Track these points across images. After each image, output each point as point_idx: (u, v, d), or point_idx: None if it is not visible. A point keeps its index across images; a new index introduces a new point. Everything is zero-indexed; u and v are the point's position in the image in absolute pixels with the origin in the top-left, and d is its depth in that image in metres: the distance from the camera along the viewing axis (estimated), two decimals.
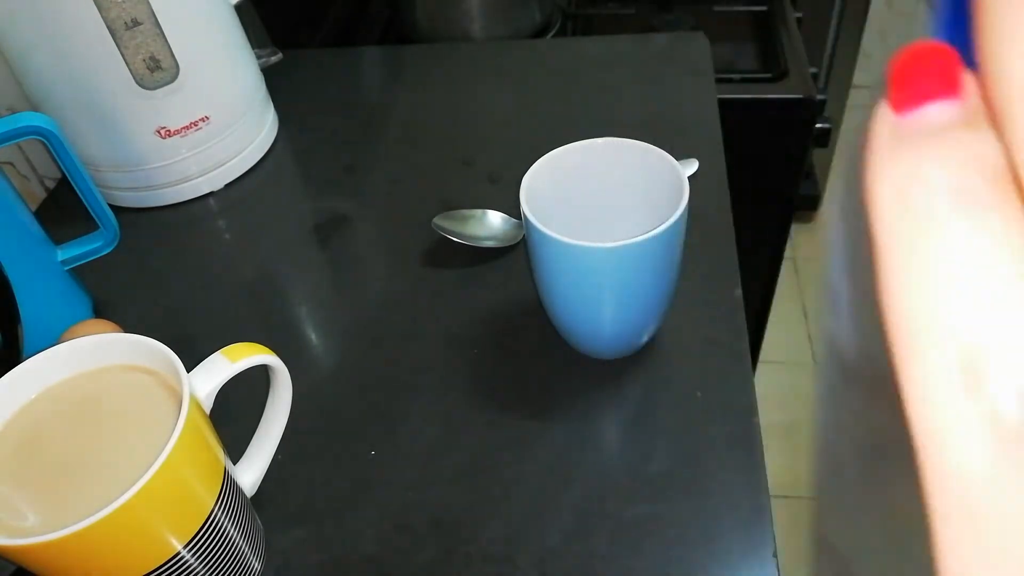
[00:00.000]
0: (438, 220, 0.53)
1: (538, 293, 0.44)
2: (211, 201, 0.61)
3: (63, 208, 0.61)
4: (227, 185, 0.62)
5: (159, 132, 0.57)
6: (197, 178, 0.60)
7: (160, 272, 0.56)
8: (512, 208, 0.55)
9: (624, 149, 0.43)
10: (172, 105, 0.56)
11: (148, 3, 0.52)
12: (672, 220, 0.38)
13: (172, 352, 0.33)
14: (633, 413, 0.43)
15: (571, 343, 0.46)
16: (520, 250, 0.53)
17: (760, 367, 1.26)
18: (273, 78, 0.67)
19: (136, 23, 0.52)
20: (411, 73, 0.73)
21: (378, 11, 0.99)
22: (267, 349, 0.36)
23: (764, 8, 0.95)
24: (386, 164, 0.63)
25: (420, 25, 0.87)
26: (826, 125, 0.89)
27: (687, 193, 0.39)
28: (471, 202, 0.56)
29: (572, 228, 0.44)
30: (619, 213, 0.45)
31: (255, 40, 0.66)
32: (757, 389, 0.44)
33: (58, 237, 0.51)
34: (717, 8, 0.97)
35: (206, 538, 0.33)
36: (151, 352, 0.34)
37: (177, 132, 0.57)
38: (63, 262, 0.50)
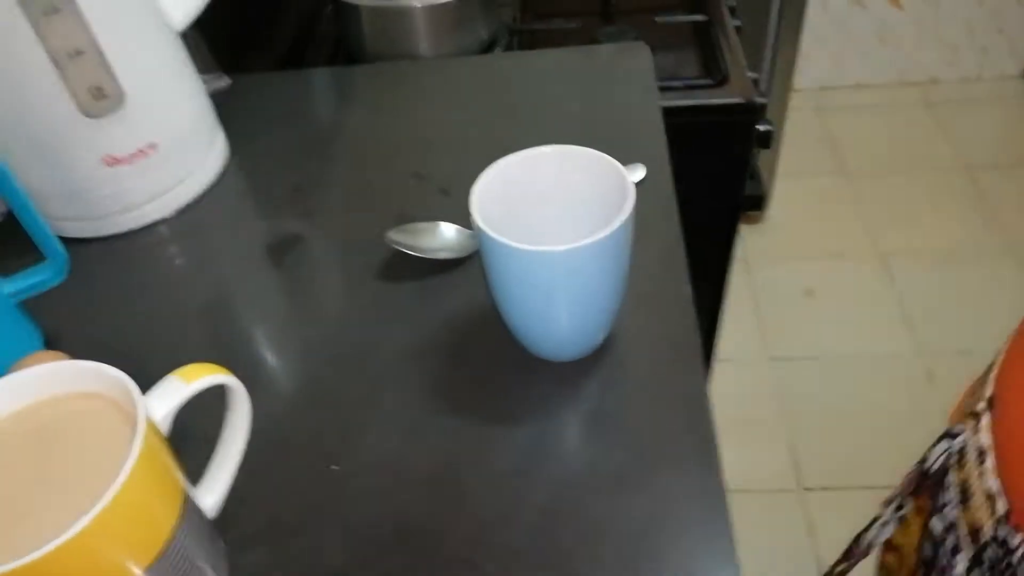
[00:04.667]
0: (392, 234, 0.53)
1: (493, 300, 0.45)
2: (162, 228, 0.61)
3: (10, 241, 0.60)
4: (178, 211, 0.61)
5: (105, 160, 0.56)
6: (146, 205, 0.60)
7: (113, 301, 0.55)
8: (466, 219, 0.56)
9: (571, 156, 0.45)
10: (118, 133, 0.56)
11: (90, 32, 0.52)
12: (618, 223, 0.39)
13: (125, 375, 0.33)
14: (592, 411, 0.44)
15: (528, 347, 0.47)
16: (475, 260, 0.54)
17: (715, 365, 1.28)
18: (222, 102, 0.67)
19: (78, 52, 0.52)
20: (360, 93, 0.74)
21: (325, 32, 1.00)
22: (222, 368, 0.36)
23: (703, 18, 0.98)
24: (338, 182, 0.63)
25: (367, 45, 0.88)
26: (768, 127, 0.91)
27: (633, 195, 0.40)
28: (424, 215, 0.56)
29: (524, 235, 0.44)
30: (569, 218, 0.46)
31: (201, 65, 0.66)
32: (713, 387, 0.45)
33: (7, 269, 0.50)
34: (658, 19, 0.99)
35: (166, 564, 0.33)
36: (103, 377, 0.33)
37: (124, 160, 0.57)
38: (11, 295, 0.49)
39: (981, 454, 0.43)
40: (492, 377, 0.46)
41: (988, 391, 0.45)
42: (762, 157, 1.70)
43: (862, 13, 2.01)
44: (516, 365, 0.47)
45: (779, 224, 1.80)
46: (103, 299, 0.55)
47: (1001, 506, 0.41)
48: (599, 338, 0.46)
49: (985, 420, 0.44)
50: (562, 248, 0.39)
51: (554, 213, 0.46)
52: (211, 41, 0.70)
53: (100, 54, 0.53)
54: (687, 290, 0.49)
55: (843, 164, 1.94)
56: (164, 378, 0.35)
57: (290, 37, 0.98)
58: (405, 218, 0.57)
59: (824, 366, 1.52)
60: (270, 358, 0.50)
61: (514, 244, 0.39)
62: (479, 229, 0.40)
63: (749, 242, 1.76)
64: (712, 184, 0.89)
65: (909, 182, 1.87)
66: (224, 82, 0.73)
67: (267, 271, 0.56)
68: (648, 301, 0.49)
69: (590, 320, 0.44)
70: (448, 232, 0.55)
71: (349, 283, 0.54)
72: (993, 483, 0.42)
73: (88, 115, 0.54)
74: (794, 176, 1.84)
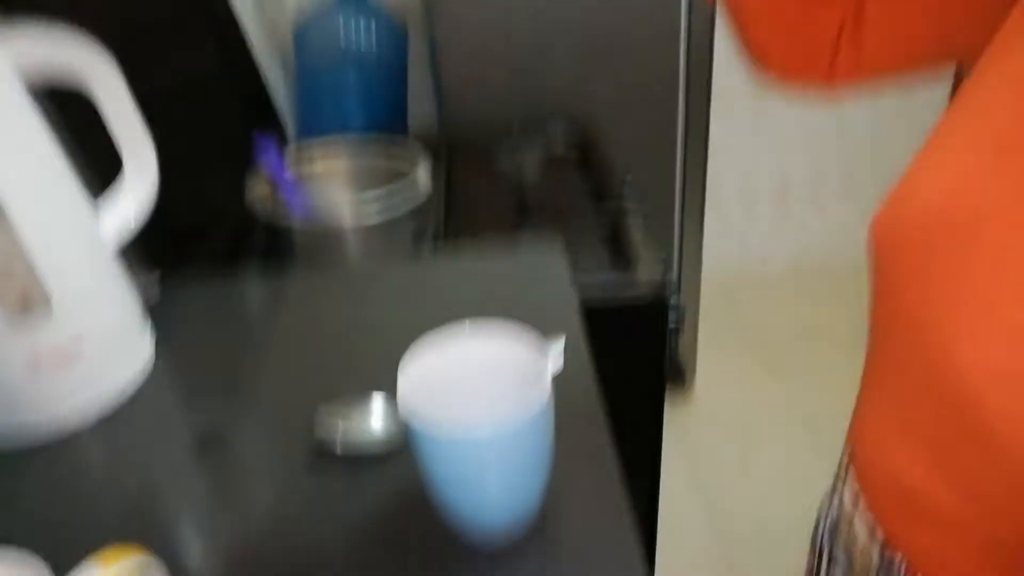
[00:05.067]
0: (320, 432, 0.54)
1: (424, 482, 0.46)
2: (88, 431, 0.59)
3: None
4: (102, 415, 0.60)
5: (31, 365, 0.56)
6: (71, 409, 0.59)
7: (38, 506, 0.53)
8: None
9: (490, 333, 0.47)
10: (44, 339, 0.56)
11: (17, 242, 0.53)
12: (535, 402, 0.41)
13: (39, 565, 0.31)
14: None
15: (461, 530, 0.47)
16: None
17: (661, 543, 1.27)
18: (153, 306, 0.69)
19: (5, 262, 0.53)
20: (290, 295, 0.77)
21: (257, 239, 1.04)
22: (142, 551, 0.35)
23: (611, 214, 1.08)
24: (266, 376, 0.64)
25: (298, 258, 0.92)
26: (678, 311, 0.98)
27: (550, 370, 0.43)
28: (355, 400, 0.57)
29: (453, 411, 0.46)
30: (492, 392, 0.47)
31: (131, 267, 0.68)
32: (658, 561, 0.45)
33: None
34: (571, 220, 1.09)
35: None
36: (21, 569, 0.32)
37: (50, 364, 0.57)
38: None
39: (855, 496, 0.52)
40: (427, 564, 0.45)
41: (849, 449, 0.55)
42: (682, 337, 1.79)
43: (754, 206, 2.24)
44: (452, 550, 0.46)
45: (707, 399, 1.87)
46: (28, 504, 0.53)
47: (880, 533, 0.48)
48: (530, 518, 0.46)
49: (852, 472, 0.53)
50: (484, 432, 0.40)
51: (478, 388, 0.48)
52: (142, 243, 0.73)
53: (29, 263, 0.54)
54: (614, 466, 0.50)
55: (760, 337, 2.06)
56: (81, 563, 0.33)
57: (222, 238, 1.02)
58: (336, 403, 0.58)
59: (771, 537, 1.52)
60: (198, 552, 0.48)
61: (433, 429, 0.41)
62: (405, 416, 0.42)
63: (680, 419, 1.81)
64: (633, 366, 0.93)
65: (821, 351, 2.00)
66: (154, 284, 0.75)
67: (193, 469, 0.55)
68: (577, 479, 0.50)
69: (516, 497, 0.45)
70: (379, 411, 0.55)
71: (278, 476, 0.53)
72: (869, 516, 0.50)
73: (13, 323, 0.54)
74: (715, 351, 1.93)
